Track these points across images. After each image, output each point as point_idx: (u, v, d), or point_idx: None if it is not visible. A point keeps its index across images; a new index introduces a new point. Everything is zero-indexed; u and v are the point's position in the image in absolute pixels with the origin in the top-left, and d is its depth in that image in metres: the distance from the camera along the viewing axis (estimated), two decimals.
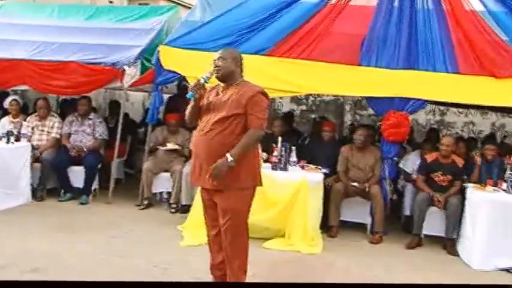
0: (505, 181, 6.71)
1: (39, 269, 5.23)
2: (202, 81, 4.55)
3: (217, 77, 4.60)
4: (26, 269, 5.20)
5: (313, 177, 6.97)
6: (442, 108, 12.00)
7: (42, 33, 9.04)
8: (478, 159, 7.55)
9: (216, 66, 4.56)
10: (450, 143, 7.31)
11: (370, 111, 12.25)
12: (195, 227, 6.77)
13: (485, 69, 7.22)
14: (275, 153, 7.04)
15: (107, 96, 12.29)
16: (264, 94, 4.50)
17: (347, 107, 12.65)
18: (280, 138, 7.13)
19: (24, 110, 9.31)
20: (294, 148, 7.32)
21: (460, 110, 12.01)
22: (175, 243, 6.43)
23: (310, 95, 11.72)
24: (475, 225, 6.51)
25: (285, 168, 7.05)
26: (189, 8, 10.06)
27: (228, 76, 4.58)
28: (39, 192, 8.16)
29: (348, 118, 12.69)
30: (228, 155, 4.30)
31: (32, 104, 10.20)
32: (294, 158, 7.27)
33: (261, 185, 4.64)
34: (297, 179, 6.77)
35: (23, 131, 8.37)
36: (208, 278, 4.96)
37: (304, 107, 13.08)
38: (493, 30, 7.39)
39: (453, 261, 6.63)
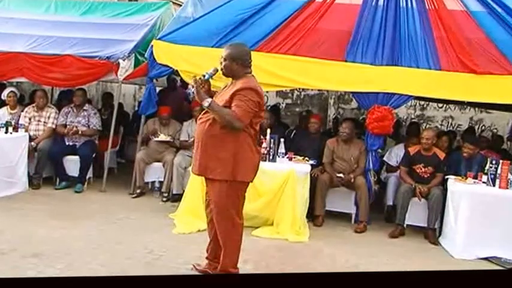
0: (485, 174, 6.74)
1: (39, 254, 5.21)
2: (206, 76, 4.60)
3: (223, 74, 4.65)
4: (27, 254, 5.18)
5: (301, 168, 6.99)
6: (422, 103, 12.09)
7: (40, 27, 9.00)
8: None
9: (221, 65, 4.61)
10: (430, 135, 7.37)
11: (353, 105, 12.34)
12: (185, 216, 6.82)
13: (465, 66, 7.23)
14: (264, 145, 7.04)
15: (99, 88, 12.26)
16: (253, 90, 4.47)
17: (331, 101, 12.71)
18: (268, 131, 7.14)
19: (20, 102, 9.27)
20: (282, 140, 7.33)
21: (440, 104, 12.12)
22: (167, 231, 6.44)
23: (297, 89, 11.75)
24: (457, 216, 6.55)
25: (273, 160, 7.07)
26: (179, 4, 10.03)
27: (230, 74, 4.62)
28: (35, 180, 8.15)
29: (331, 112, 12.75)
30: (209, 100, 4.43)
31: (28, 96, 10.18)
32: (282, 149, 7.29)
33: (245, 180, 4.61)
34: (285, 170, 6.79)
35: (20, 121, 8.34)
36: (201, 262, 5.02)
37: (289, 101, 13.13)
38: (475, 29, 7.43)
39: (435, 250, 6.66)
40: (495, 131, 12.04)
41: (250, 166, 4.60)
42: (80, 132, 8.38)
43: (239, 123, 4.40)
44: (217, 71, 4.63)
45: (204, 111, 4.63)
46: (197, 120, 4.79)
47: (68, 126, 8.41)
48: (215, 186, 4.56)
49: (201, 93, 4.48)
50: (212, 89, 4.78)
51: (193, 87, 4.54)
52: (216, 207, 4.59)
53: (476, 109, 11.91)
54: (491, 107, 10.00)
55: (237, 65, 4.57)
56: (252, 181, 4.70)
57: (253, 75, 4.65)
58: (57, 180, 8.36)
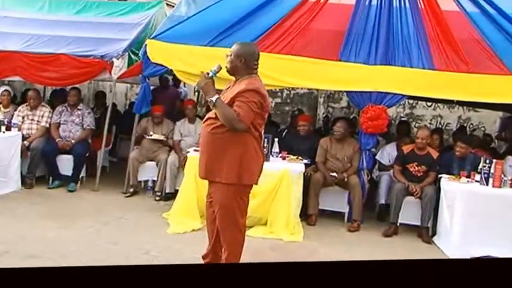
0: (479, 173, 6.64)
1: (35, 255, 5.03)
2: (210, 74, 4.42)
3: (227, 71, 4.47)
4: (22, 255, 5.00)
5: (295, 167, 6.85)
6: (411, 101, 12.04)
7: (34, 26, 8.78)
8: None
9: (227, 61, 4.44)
10: (425, 135, 7.25)
11: (343, 103, 12.27)
12: (179, 215, 6.65)
13: (458, 65, 7.13)
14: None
15: (91, 87, 12.07)
16: (255, 91, 4.25)
17: (321, 100, 12.62)
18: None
19: (12, 101, 9.06)
20: (276, 139, 7.19)
21: (429, 103, 12.07)
22: (162, 230, 6.27)
23: (286, 88, 11.64)
24: (451, 215, 6.44)
25: (267, 159, 6.91)
26: (172, 6, 9.88)
27: (233, 71, 4.43)
28: (28, 179, 7.90)
29: (321, 110, 12.66)
30: (216, 96, 4.25)
31: (20, 95, 9.98)
32: (276, 149, 7.14)
33: (251, 183, 4.45)
34: (279, 170, 6.64)
35: (13, 120, 8.09)
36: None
37: (279, 100, 13.05)
38: (469, 29, 7.32)
39: (429, 249, 6.55)
40: (483, 129, 12.03)
41: (256, 168, 4.43)
42: (73, 142, 8.19)
43: (240, 125, 4.19)
44: (221, 68, 4.46)
45: (211, 115, 4.46)
46: (203, 122, 4.57)
47: (60, 141, 8.19)
48: (220, 189, 4.37)
49: (210, 88, 4.32)
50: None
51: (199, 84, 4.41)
52: (221, 210, 4.40)
53: (465, 108, 11.89)
54: (479, 105, 9.95)
55: (241, 63, 4.37)
56: (256, 183, 4.52)
57: (257, 76, 4.47)
58: (50, 179, 8.13)
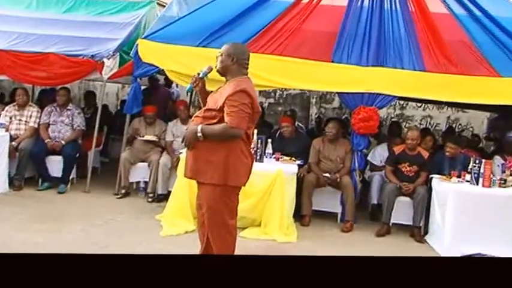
0: (469, 173, 6.70)
1: None
2: (201, 75, 4.45)
3: (217, 72, 4.46)
4: None
5: (288, 168, 6.86)
6: (402, 102, 12.11)
7: (21, 24, 8.66)
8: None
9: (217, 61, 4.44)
10: (415, 136, 7.31)
11: (335, 104, 12.31)
12: (172, 217, 6.62)
13: (448, 67, 7.21)
14: (251, 145, 6.87)
15: (82, 87, 11.98)
16: (243, 92, 4.20)
17: (313, 101, 12.65)
18: (256, 131, 6.97)
19: (0, 100, 8.96)
20: (269, 140, 7.19)
21: (419, 104, 12.14)
22: (155, 233, 6.23)
23: (279, 88, 11.66)
24: (443, 215, 6.53)
25: (260, 160, 6.91)
26: (163, 5, 9.83)
27: (224, 71, 4.42)
28: (17, 181, 7.78)
29: (313, 111, 12.69)
30: (199, 127, 4.23)
31: (9, 94, 9.87)
32: (269, 149, 7.14)
33: (237, 185, 4.41)
34: (273, 171, 6.65)
35: (0, 120, 8.00)
36: None
37: (272, 100, 13.06)
38: (458, 31, 7.40)
39: (422, 248, 6.62)
40: (471, 129, 12.13)
41: (242, 170, 4.38)
42: (63, 143, 8.08)
43: (234, 131, 4.17)
44: (211, 69, 4.47)
45: (197, 115, 4.45)
46: (191, 121, 4.60)
47: (49, 141, 8.08)
48: (207, 190, 4.35)
49: (191, 131, 4.31)
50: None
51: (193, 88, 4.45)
52: (208, 211, 4.38)
53: (453, 108, 11.99)
54: (468, 106, 10.02)
55: (232, 62, 4.37)
56: (244, 185, 4.50)
57: (247, 77, 4.46)
58: (40, 181, 8.04)
